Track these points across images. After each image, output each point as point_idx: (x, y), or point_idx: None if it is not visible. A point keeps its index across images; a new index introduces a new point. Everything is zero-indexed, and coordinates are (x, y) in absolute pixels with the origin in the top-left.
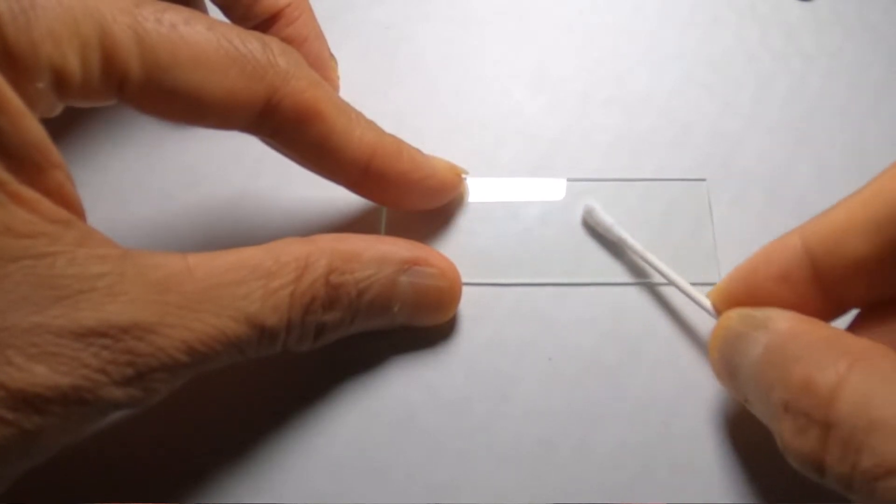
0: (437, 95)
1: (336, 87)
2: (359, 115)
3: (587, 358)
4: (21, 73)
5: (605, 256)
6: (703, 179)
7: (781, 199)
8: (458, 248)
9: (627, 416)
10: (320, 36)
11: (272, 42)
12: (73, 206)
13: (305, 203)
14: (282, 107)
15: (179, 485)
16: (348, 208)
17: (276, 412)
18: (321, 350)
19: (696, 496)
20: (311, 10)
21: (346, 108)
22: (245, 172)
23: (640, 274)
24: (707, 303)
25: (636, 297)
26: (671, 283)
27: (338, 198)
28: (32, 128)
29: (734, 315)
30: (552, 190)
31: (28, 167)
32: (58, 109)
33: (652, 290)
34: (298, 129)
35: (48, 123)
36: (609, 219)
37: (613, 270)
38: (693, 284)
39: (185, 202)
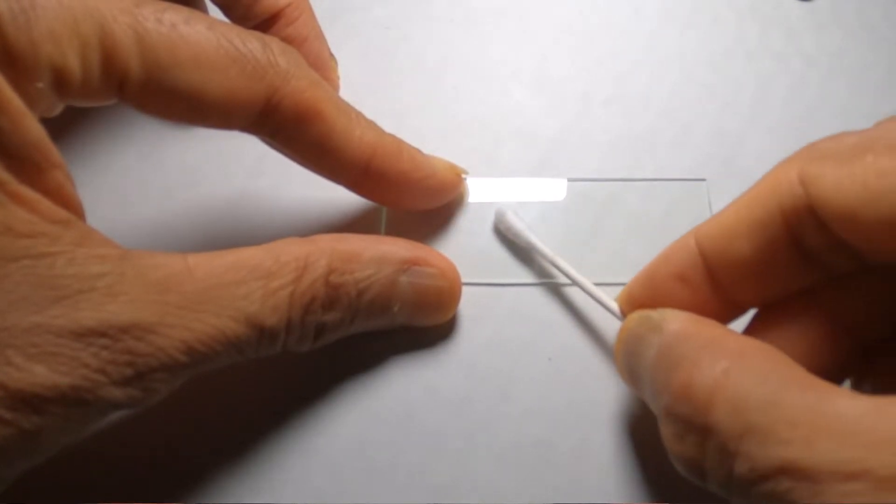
0: (437, 95)
1: (336, 87)
2: (359, 114)
3: (587, 358)
4: (21, 73)
5: (604, 256)
6: (703, 179)
7: None
8: (458, 248)
9: (627, 416)
10: (320, 36)
11: (272, 42)
12: (73, 206)
13: (305, 203)
14: (282, 107)
15: (179, 485)
16: (348, 208)
17: (276, 412)
18: (321, 350)
19: (697, 496)
20: (311, 10)
21: (346, 108)
22: (245, 172)
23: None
24: (614, 306)
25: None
26: (580, 286)
27: (338, 198)
28: (32, 128)
29: (635, 317)
30: (552, 190)
31: (28, 167)
32: (58, 109)
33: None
34: (298, 129)
35: (48, 123)
36: (520, 223)
37: (613, 270)
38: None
39: (185, 202)
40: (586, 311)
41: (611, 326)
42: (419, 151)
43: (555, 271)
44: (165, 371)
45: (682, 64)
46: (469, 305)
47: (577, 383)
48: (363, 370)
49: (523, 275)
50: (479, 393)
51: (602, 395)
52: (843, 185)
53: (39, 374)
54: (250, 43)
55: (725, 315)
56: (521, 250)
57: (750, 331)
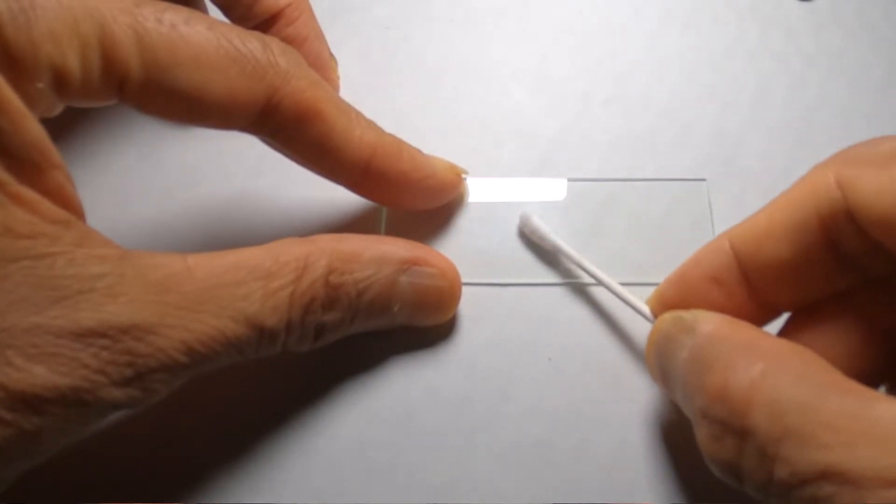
0: (437, 95)
1: (336, 87)
2: (359, 114)
3: (587, 358)
4: (21, 73)
5: (604, 256)
6: (703, 179)
7: None
8: (458, 248)
9: (627, 416)
10: (320, 36)
11: (272, 42)
12: (73, 207)
13: (305, 203)
14: (282, 107)
15: (179, 485)
16: (348, 208)
17: (276, 412)
18: (321, 350)
19: (697, 496)
20: (311, 10)
21: (346, 108)
22: (245, 172)
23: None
24: (645, 308)
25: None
26: (608, 288)
27: (338, 198)
28: (32, 128)
29: (667, 317)
30: (552, 190)
31: (28, 168)
32: (58, 109)
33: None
34: (299, 129)
35: (48, 123)
36: (545, 226)
37: (614, 270)
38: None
39: (185, 202)
40: (586, 311)
41: (612, 326)
42: (419, 151)
43: (582, 273)
44: (165, 371)
45: (682, 64)
46: (469, 305)
47: (577, 383)
48: (363, 370)
49: (524, 275)
50: (479, 393)
51: (602, 395)
52: (882, 189)
53: (39, 375)
54: (250, 43)
55: (759, 318)
56: (546, 253)
57: (784, 334)
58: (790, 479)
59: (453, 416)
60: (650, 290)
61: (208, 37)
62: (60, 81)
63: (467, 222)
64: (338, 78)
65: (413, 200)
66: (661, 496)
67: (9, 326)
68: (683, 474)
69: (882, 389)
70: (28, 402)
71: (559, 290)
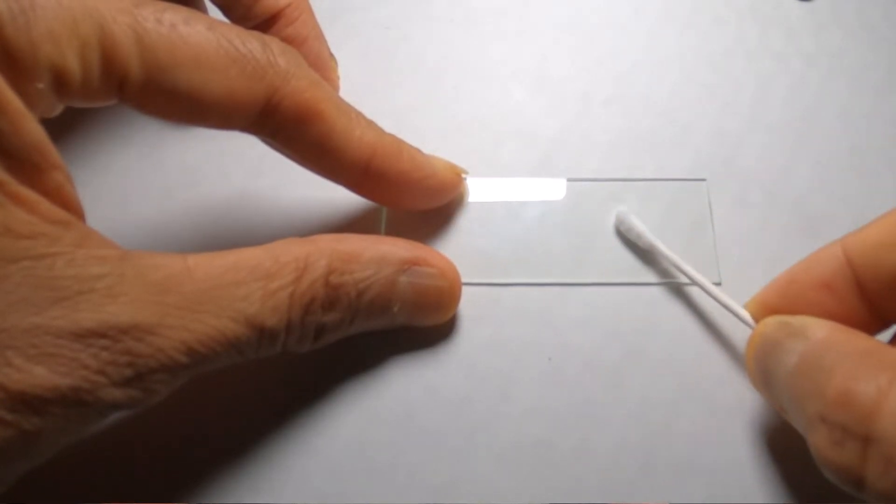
0: (437, 95)
1: (336, 87)
2: (359, 114)
3: (587, 358)
4: (21, 74)
5: (604, 256)
6: (703, 179)
7: (781, 199)
8: (458, 248)
9: (627, 416)
10: (320, 36)
11: (272, 42)
12: (73, 207)
13: (305, 203)
14: (282, 107)
15: (179, 485)
16: (348, 208)
17: (276, 412)
18: (321, 350)
19: (697, 496)
20: (311, 10)
21: (346, 108)
22: (245, 172)
23: (636, 275)
24: (745, 313)
25: (636, 297)
26: (707, 292)
27: (338, 198)
28: (32, 128)
29: (771, 322)
30: (552, 190)
31: (28, 168)
32: (58, 110)
33: (652, 289)
34: (298, 129)
35: (48, 124)
36: (642, 226)
37: (614, 270)
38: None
39: (185, 202)
40: (587, 311)
41: (614, 327)
42: (419, 151)
43: (678, 273)
44: (165, 372)
45: (682, 64)
46: (469, 305)
47: (577, 383)
48: (363, 370)
49: (524, 275)
50: (479, 393)
51: (602, 394)
52: None
53: (39, 376)
54: (250, 43)
55: (868, 327)
56: (642, 252)
57: (893, 344)
58: None
59: (453, 416)
60: (650, 290)
61: (208, 37)
62: (60, 82)
63: (467, 222)
64: (338, 78)
65: (413, 200)
66: (661, 496)
67: (9, 327)
68: (683, 474)
69: None
70: (28, 402)
71: (559, 290)
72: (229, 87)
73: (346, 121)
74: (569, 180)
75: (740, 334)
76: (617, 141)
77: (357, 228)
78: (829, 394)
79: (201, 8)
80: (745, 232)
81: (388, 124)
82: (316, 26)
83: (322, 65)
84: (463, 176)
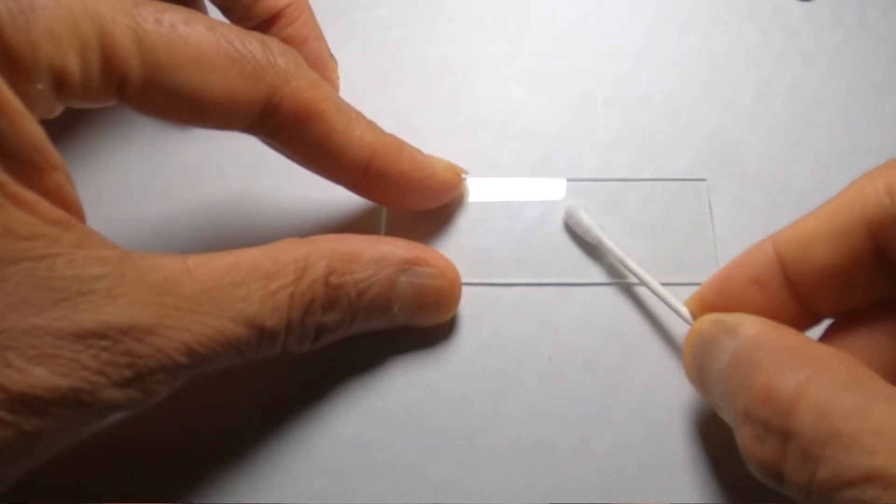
0: (437, 95)
1: (336, 88)
2: (359, 115)
3: (587, 358)
4: (21, 74)
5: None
6: (703, 179)
7: (781, 199)
8: (458, 248)
9: (627, 416)
10: (320, 36)
11: (272, 42)
12: (73, 208)
13: (305, 203)
14: (282, 107)
15: (179, 485)
16: (348, 208)
17: (276, 412)
18: (321, 350)
19: (696, 496)
20: (310, 10)
21: (346, 108)
22: (245, 172)
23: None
24: (684, 309)
25: (636, 297)
26: (649, 287)
27: (338, 198)
28: (32, 129)
29: (707, 320)
30: (552, 190)
31: (27, 168)
32: (58, 110)
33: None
34: (298, 130)
35: (48, 124)
36: (590, 220)
37: (612, 271)
38: (693, 285)
39: (185, 202)
40: (587, 311)
41: (615, 326)
42: (419, 151)
43: (623, 270)
44: (165, 372)
45: (682, 64)
46: (469, 305)
47: (577, 383)
48: (363, 370)
49: (524, 275)
50: (479, 393)
51: (602, 395)
52: None
53: (39, 376)
54: (250, 43)
55: (801, 323)
56: (590, 247)
57: (825, 340)
58: (833, 481)
59: (453, 416)
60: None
61: (208, 37)
62: (60, 82)
63: (467, 222)
64: (338, 78)
65: (413, 200)
66: (661, 496)
67: (8, 328)
68: (683, 474)
69: None
70: (28, 403)
71: (559, 290)
72: (229, 87)
73: (346, 121)
74: (569, 180)
75: None
76: (617, 141)
77: (357, 228)
78: (753, 390)
79: (201, 8)
80: (744, 232)
81: (388, 124)
82: (316, 26)
83: (322, 65)
84: (463, 176)
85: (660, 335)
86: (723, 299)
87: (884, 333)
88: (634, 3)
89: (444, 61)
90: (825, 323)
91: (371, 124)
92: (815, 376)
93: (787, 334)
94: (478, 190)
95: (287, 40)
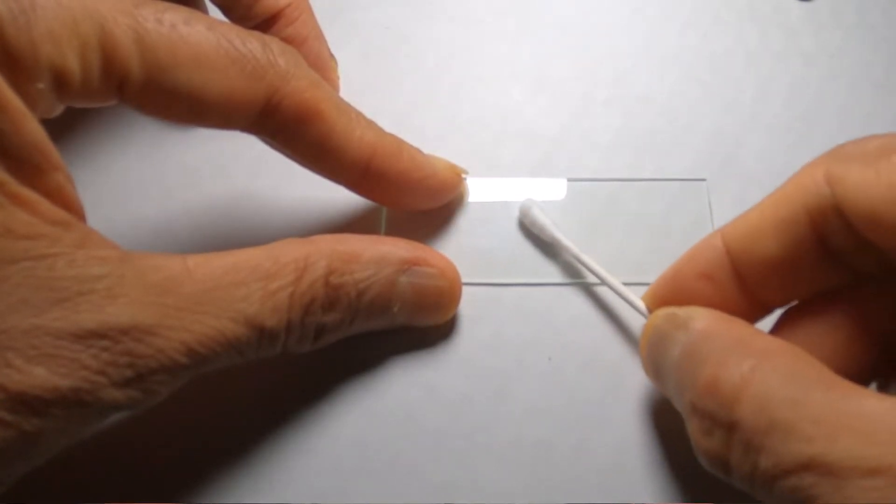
0: (437, 95)
1: (336, 87)
2: (359, 114)
3: (587, 358)
4: (21, 74)
5: (605, 256)
6: (703, 179)
7: None
8: (458, 248)
9: (627, 416)
10: (320, 36)
11: (272, 42)
12: (73, 208)
13: (305, 203)
14: (282, 107)
15: (179, 485)
16: (348, 208)
17: (276, 412)
18: (321, 350)
19: (697, 496)
20: (311, 10)
21: (346, 108)
22: (245, 172)
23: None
24: (640, 303)
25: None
26: (605, 283)
27: (338, 198)
28: (32, 129)
29: (661, 314)
30: (552, 190)
31: (28, 168)
32: (58, 110)
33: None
34: (299, 129)
35: (49, 124)
36: (545, 218)
37: (613, 270)
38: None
39: (185, 202)
40: (587, 310)
41: (613, 326)
42: (419, 151)
43: (580, 267)
44: (165, 372)
45: (682, 64)
46: (469, 305)
47: (577, 383)
48: (363, 370)
49: (524, 275)
50: (479, 393)
51: (602, 395)
52: (868, 185)
53: (39, 376)
54: (250, 43)
55: (751, 314)
56: (546, 246)
57: (776, 331)
58: (774, 470)
59: (453, 416)
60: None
61: (208, 37)
62: (60, 82)
63: (467, 222)
64: (338, 78)
65: (413, 200)
66: (661, 496)
67: (9, 328)
68: (683, 474)
69: (873, 386)
70: (28, 403)
71: (559, 290)
72: (229, 87)
73: (346, 121)
74: (569, 180)
75: None
76: (617, 141)
77: (357, 228)
78: (700, 383)
79: (201, 8)
80: None
81: (388, 124)
82: (316, 26)
83: (322, 65)
84: (463, 176)
85: None
86: (675, 293)
87: (831, 322)
88: (634, 3)
89: (444, 61)
90: (777, 312)
91: (371, 124)
92: (759, 367)
93: (736, 326)
94: (478, 190)
95: (287, 40)
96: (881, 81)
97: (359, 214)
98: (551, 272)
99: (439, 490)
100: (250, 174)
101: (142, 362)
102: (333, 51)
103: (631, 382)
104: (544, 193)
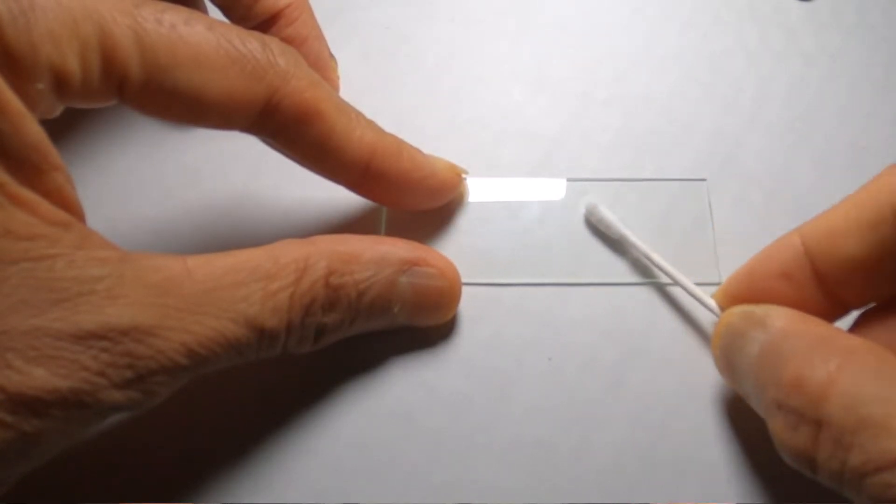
0: (437, 95)
1: (336, 87)
2: (359, 114)
3: (587, 358)
4: (21, 75)
5: (604, 256)
6: (703, 179)
7: (781, 199)
8: (458, 248)
9: (627, 416)
10: (320, 36)
11: (272, 42)
12: (73, 208)
13: (305, 203)
14: (282, 107)
15: (179, 485)
16: (348, 208)
17: (276, 412)
18: (321, 351)
19: (697, 496)
20: (310, 10)
21: (346, 108)
22: (245, 172)
23: (640, 274)
24: (711, 302)
25: (636, 297)
26: (675, 282)
27: (338, 198)
28: (32, 129)
29: (736, 312)
30: (552, 190)
31: (28, 169)
32: (58, 110)
33: (651, 289)
34: (299, 130)
35: (49, 124)
36: (612, 216)
37: (613, 270)
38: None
39: (185, 202)
40: (587, 310)
41: (615, 326)
42: (419, 151)
43: (648, 264)
44: (165, 373)
45: (682, 64)
46: (469, 305)
47: (577, 383)
48: (363, 370)
49: (524, 275)
50: (479, 393)
51: (602, 395)
52: None
53: (39, 377)
54: (250, 43)
55: (829, 314)
56: (614, 243)
57: (855, 330)
58: (864, 467)
59: (453, 416)
60: (650, 289)
61: (208, 37)
62: (60, 82)
63: (467, 222)
64: (338, 78)
65: (413, 200)
66: (661, 496)
67: (8, 329)
68: (683, 474)
69: None
70: (28, 404)
71: (559, 290)
72: (229, 87)
73: (346, 121)
74: (569, 180)
75: None
76: (617, 141)
77: (357, 228)
78: (784, 380)
79: (201, 8)
80: (744, 232)
81: (388, 124)
82: (316, 26)
83: (322, 65)
84: (463, 176)
85: (660, 335)
86: (750, 292)
87: None
88: (634, 3)
89: (444, 61)
90: (854, 314)
91: (371, 124)
92: (844, 366)
93: (816, 325)
94: (478, 190)
95: (287, 40)
96: (881, 81)
97: (359, 214)
98: (553, 273)
99: (439, 490)
100: (250, 174)
101: (142, 363)
102: (333, 51)
103: (631, 382)
104: (544, 193)
